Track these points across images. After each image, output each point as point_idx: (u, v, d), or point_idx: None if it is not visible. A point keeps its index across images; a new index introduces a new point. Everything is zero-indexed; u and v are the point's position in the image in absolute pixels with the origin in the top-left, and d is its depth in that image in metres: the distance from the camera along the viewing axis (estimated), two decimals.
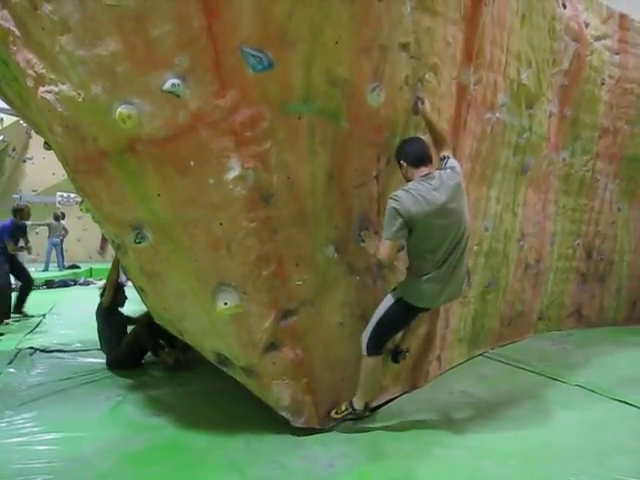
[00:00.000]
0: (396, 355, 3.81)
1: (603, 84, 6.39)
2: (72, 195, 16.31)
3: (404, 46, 3.29)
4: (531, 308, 6.35)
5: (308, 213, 3.06)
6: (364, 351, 3.31)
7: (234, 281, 3.04)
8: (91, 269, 15.14)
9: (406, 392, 4.10)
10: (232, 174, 2.80)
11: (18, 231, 7.79)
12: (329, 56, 2.90)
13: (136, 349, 4.94)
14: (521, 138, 5.14)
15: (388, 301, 3.33)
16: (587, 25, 6.06)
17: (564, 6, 5.56)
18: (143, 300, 3.96)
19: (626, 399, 4.00)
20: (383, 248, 3.11)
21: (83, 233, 18.65)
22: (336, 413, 3.42)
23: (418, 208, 3.05)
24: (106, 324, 5.09)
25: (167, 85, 2.65)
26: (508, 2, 4.39)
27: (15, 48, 2.94)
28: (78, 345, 5.82)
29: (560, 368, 4.96)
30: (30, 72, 2.93)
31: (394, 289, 3.39)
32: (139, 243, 3.14)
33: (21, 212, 7.60)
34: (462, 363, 5.09)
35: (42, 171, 18.56)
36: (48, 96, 2.88)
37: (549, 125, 5.69)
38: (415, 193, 3.08)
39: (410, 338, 3.86)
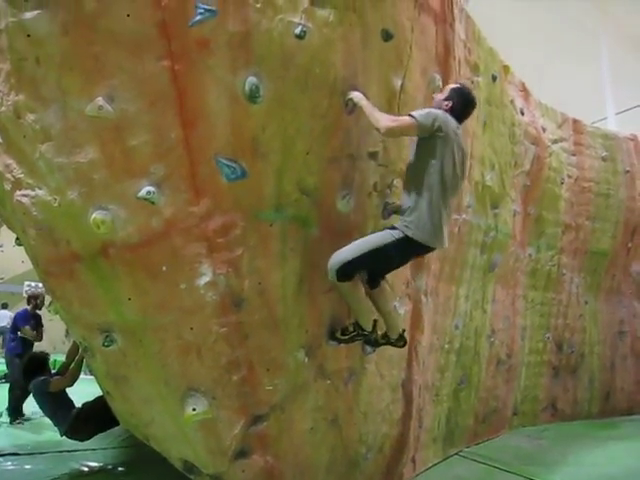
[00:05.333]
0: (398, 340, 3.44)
1: (562, 183, 6.76)
2: (40, 285, 15.89)
3: (372, 155, 3.47)
4: (505, 404, 6.30)
5: (279, 318, 3.07)
6: (332, 276, 3.01)
7: (204, 386, 2.98)
8: (55, 360, 14.57)
9: None
10: (204, 280, 2.83)
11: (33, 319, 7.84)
12: (300, 166, 3.04)
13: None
14: (487, 237, 5.33)
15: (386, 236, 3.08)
16: (544, 130, 6.50)
17: (522, 113, 5.98)
18: (110, 404, 3.83)
19: None
20: (396, 121, 3.01)
21: (48, 323, 18.09)
22: (342, 334, 3.26)
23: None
24: (50, 399, 4.77)
25: (142, 192, 2.72)
26: None
27: None
28: (35, 447, 5.49)
29: (537, 466, 4.87)
30: (8, 176, 2.98)
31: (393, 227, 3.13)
32: (107, 346, 3.09)
33: (35, 299, 7.51)
34: (437, 463, 4.95)
35: (11, 259, 18.24)
36: (24, 200, 2.92)
37: (514, 223, 5.93)
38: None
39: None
